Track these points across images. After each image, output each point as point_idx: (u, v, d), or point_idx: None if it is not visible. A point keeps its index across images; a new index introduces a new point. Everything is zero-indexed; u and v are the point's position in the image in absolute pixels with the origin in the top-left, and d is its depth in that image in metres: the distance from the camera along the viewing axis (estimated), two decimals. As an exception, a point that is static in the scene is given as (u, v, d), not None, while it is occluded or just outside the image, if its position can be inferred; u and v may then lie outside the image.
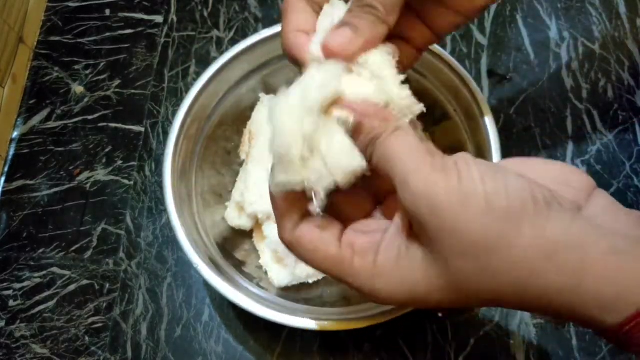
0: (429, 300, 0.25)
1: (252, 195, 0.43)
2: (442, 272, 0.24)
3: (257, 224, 0.46)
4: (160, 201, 0.51)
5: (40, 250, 0.50)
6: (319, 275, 0.43)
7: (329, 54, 0.27)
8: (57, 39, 0.60)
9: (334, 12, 0.29)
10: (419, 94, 0.48)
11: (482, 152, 0.41)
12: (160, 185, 0.52)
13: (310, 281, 0.43)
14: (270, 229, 0.43)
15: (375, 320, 0.37)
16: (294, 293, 0.43)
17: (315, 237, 0.27)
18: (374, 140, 0.25)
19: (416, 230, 0.25)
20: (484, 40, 0.56)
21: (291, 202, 0.27)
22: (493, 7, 0.58)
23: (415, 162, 0.24)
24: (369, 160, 0.25)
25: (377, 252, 0.26)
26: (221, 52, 0.57)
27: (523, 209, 0.22)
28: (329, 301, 0.43)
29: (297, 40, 0.28)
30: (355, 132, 0.26)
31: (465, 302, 0.25)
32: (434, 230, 0.23)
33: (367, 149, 0.25)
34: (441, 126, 0.46)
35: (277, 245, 0.42)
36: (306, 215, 0.28)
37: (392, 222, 0.26)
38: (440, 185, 0.23)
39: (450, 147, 0.46)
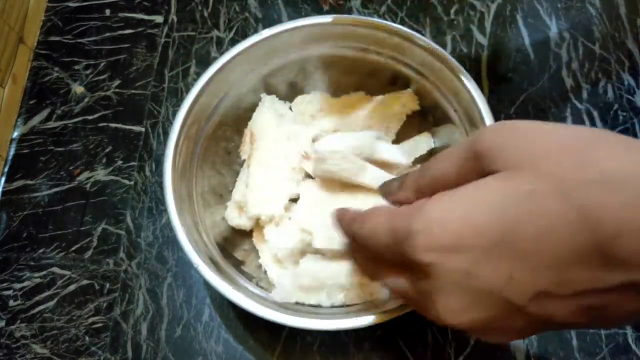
0: (499, 222, 0.20)
1: (254, 198, 0.43)
2: (527, 180, 0.20)
3: (257, 224, 0.46)
4: (160, 201, 0.51)
5: (41, 250, 0.50)
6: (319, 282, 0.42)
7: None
8: (57, 39, 0.60)
9: None
10: (420, 94, 0.49)
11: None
12: (160, 185, 0.52)
13: (311, 302, 0.42)
14: (271, 233, 0.43)
15: (375, 320, 0.37)
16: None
17: (377, 207, 0.28)
18: (421, 169, 0.28)
19: (493, 170, 0.22)
20: (484, 40, 0.56)
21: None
22: (493, 7, 0.58)
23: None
24: (424, 186, 0.27)
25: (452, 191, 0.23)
26: (221, 52, 0.57)
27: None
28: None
29: None
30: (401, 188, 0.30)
31: (555, 217, 0.19)
32: (519, 146, 0.21)
33: (420, 183, 0.27)
34: (441, 126, 0.46)
35: (277, 249, 0.42)
36: None
37: None
38: (520, 121, 0.23)
39: (449, 147, 0.46)
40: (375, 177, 0.40)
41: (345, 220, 0.30)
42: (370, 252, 0.28)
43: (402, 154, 0.45)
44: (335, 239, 0.41)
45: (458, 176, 0.24)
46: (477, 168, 0.23)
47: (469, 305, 0.22)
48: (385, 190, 0.31)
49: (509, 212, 0.20)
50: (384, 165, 0.43)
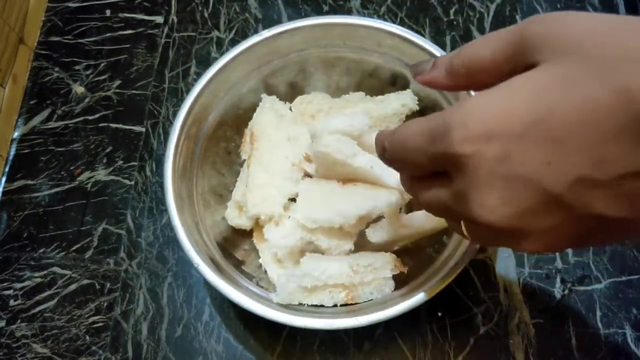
0: (535, 105, 0.20)
1: (254, 197, 0.43)
2: (567, 64, 0.20)
3: (257, 223, 0.46)
4: (160, 201, 0.52)
5: (41, 250, 0.50)
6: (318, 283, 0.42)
7: None
8: (58, 39, 0.60)
9: None
10: (420, 94, 0.49)
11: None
12: (160, 185, 0.52)
13: (310, 302, 0.41)
14: (271, 232, 0.43)
15: (376, 319, 0.37)
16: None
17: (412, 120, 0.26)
18: (457, 51, 0.26)
19: (538, 61, 0.21)
20: (483, 41, 0.56)
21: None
22: (492, 8, 0.58)
23: None
24: (458, 69, 0.26)
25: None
26: (221, 53, 0.57)
27: None
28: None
29: None
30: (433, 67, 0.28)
31: (592, 97, 0.19)
32: (574, 36, 0.20)
33: (454, 63, 0.26)
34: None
35: (277, 248, 0.42)
36: None
37: None
38: (569, 13, 0.22)
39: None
40: (371, 160, 0.40)
41: (379, 139, 0.28)
42: (404, 164, 0.27)
43: None
44: (335, 238, 0.42)
45: (495, 61, 0.24)
46: (518, 55, 0.23)
47: (505, 198, 0.22)
48: (415, 70, 0.29)
49: (545, 97, 0.20)
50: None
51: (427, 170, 0.25)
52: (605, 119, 0.19)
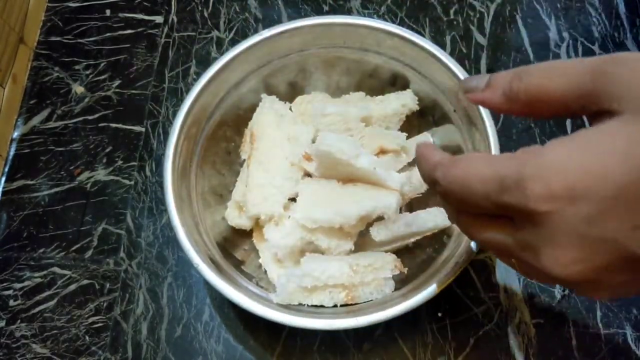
0: (623, 167, 0.19)
1: (254, 197, 0.43)
2: None
3: (257, 223, 0.46)
4: (160, 201, 0.51)
5: (41, 250, 0.50)
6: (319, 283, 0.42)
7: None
8: (57, 39, 0.60)
9: None
10: (419, 94, 0.49)
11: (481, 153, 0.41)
12: (160, 185, 0.52)
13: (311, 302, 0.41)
14: (271, 232, 0.43)
15: (376, 319, 0.37)
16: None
17: (471, 155, 0.26)
18: (519, 72, 0.25)
19: (614, 109, 0.21)
20: (483, 41, 0.56)
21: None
22: (492, 8, 0.58)
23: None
24: (517, 93, 0.24)
25: (543, 144, 0.22)
26: (221, 53, 0.57)
27: None
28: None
29: None
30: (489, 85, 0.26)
31: None
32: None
33: (513, 86, 0.25)
34: (441, 126, 0.46)
35: (277, 248, 0.42)
36: None
37: None
38: None
39: (448, 148, 0.46)
40: (373, 162, 0.40)
41: (428, 164, 0.26)
42: (460, 202, 0.25)
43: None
44: (335, 238, 0.42)
45: (564, 98, 0.23)
46: (592, 97, 0.22)
47: (583, 256, 0.21)
48: (467, 86, 0.27)
49: (634, 158, 0.19)
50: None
51: (489, 212, 0.24)
52: None
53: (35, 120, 0.56)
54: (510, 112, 0.26)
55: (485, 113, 0.41)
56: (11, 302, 0.49)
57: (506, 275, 0.47)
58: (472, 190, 0.23)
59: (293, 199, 0.44)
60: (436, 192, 0.27)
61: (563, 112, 0.24)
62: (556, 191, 0.20)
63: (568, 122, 0.52)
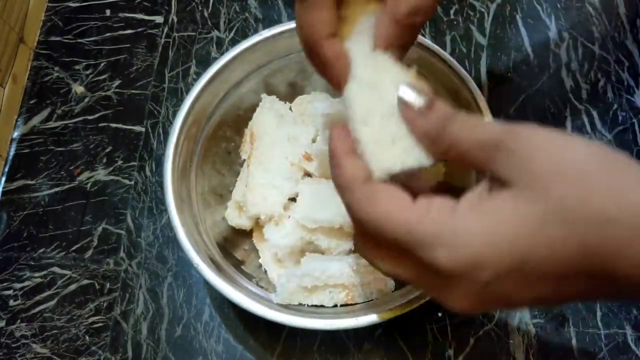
0: (515, 247, 0.23)
1: (254, 197, 0.43)
2: (538, 204, 0.22)
3: (257, 223, 0.46)
4: (160, 201, 0.51)
5: (41, 250, 0.50)
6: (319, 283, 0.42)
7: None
8: (58, 39, 0.60)
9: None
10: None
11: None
12: (160, 185, 0.52)
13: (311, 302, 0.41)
14: (271, 232, 0.43)
15: (376, 319, 0.37)
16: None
17: (389, 190, 0.26)
18: (451, 117, 0.26)
19: (507, 179, 0.24)
20: (483, 41, 0.56)
21: (357, 166, 0.27)
22: (493, 8, 0.58)
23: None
24: (442, 137, 0.26)
25: (456, 205, 0.25)
26: (221, 53, 0.57)
27: (620, 153, 0.23)
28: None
29: (340, 52, 0.30)
30: (422, 113, 0.27)
31: (560, 246, 0.22)
32: (539, 167, 0.23)
33: (439, 128, 0.26)
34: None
35: (277, 248, 0.42)
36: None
37: (468, 191, 0.25)
38: (543, 131, 0.24)
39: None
40: None
41: (339, 177, 0.27)
42: (374, 236, 0.27)
43: None
44: (335, 238, 0.42)
45: (471, 155, 0.25)
46: (488, 163, 0.25)
47: (478, 303, 0.25)
48: (407, 97, 0.28)
49: (524, 239, 0.23)
50: None
51: (400, 249, 0.26)
52: (571, 265, 0.22)
53: (35, 120, 0.56)
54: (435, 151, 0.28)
55: (486, 113, 0.41)
56: (11, 302, 0.49)
57: (506, 275, 0.47)
58: (384, 234, 0.25)
59: (293, 199, 0.44)
60: (353, 222, 0.28)
61: (472, 166, 0.26)
62: (462, 260, 0.23)
63: (568, 123, 0.52)
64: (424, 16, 0.30)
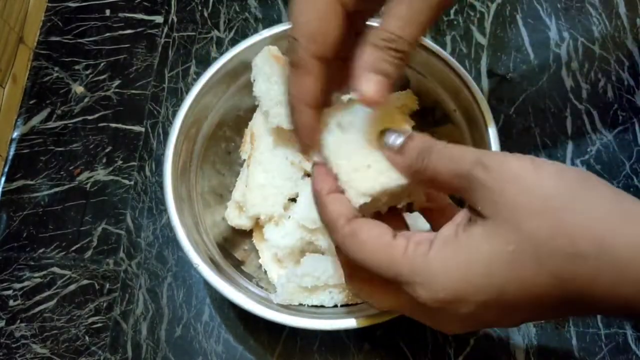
0: (489, 283, 0.24)
1: (254, 197, 0.43)
2: (509, 239, 0.23)
3: (257, 223, 0.46)
4: (160, 201, 0.51)
5: (41, 250, 0.50)
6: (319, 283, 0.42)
7: (368, 102, 0.29)
8: (57, 39, 0.60)
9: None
10: (420, 94, 0.49)
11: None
12: (160, 185, 0.52)
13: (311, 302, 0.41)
14: (271, 232, 0.43)
15: (376, 320, 0.37)
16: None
17: (371, 227, 0.27)
18: (428, 149, 0.27)
19: (478, 205, 0.24)
20: (483, 41, 0.56)
21: (340, 204, 0.28)
22: (493, 7, 0.58)
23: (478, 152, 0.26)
24: (422, 170, 0.27)
25: (433, 240, 0.26)
26: (221, 53, 0.57)
27: (589, 178, 0.24)
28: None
29: (314, 121, 0.31)
30: (401, 151, 0.28)
31: (533, 281, 0.23)
32: (509, 200, 0.23)
33: (418, 161, 0.27)
34: (441, 126, 0.46)
35: (277, 248, 0.42)
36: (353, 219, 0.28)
37: (448, 222, 0.26)
38: (513, 161, 0.24)
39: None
40: None
41: (336, 234, 0.28)
42: (361, 271, 0.28)
43: None
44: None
45: (450, 184, 0.26)
46: (471, 193, 0.25)
47: (466, 328, 0.27)
48: (386, 139, 0.29)
49: (497, 275, 0.23)
50: None
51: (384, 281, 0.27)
52: (543, 296, 0.23)
53: (35, 120, 0.56)
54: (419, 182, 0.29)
55: (486, 113, 0.41)
56: (11, 302, 0.49)
57: (506, 275, 0.46)
58: (369, 269, 0.27)
59: (293, 199, 0.44)
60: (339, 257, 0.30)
61: (456, 194, 0.27)
62: (440, 297, 0.25)
63: (568, 123, 0.52)
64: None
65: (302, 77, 0.30)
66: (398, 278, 0.26)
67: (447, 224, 0.26)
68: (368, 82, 0.28)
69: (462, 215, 0.26)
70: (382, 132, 0.30)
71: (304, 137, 0.31)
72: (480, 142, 0.41)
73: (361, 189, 0.28)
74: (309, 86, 0.30)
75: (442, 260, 0.25)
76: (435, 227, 0.33)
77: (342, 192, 0.29)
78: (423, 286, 0.25)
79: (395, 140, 0.29)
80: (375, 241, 0.27)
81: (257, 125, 0.46)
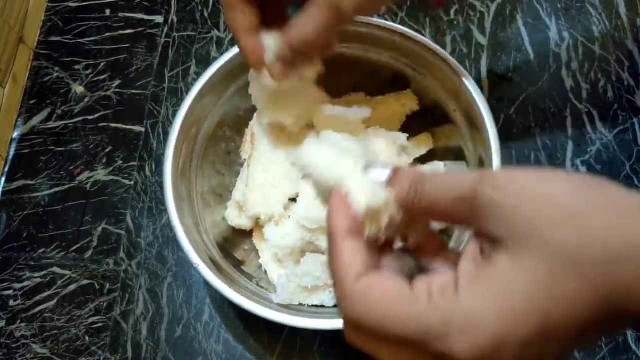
0: (530, 314, 0.21)
1: (254, 197, 0.43)
2: (540, 258, 0.21)
3: (257, 223, 0.46)
4: (160, 201, 0.51)
5: (41, 250, 0.50)
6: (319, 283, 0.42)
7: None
8: (57, 39, 0.60)
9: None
10: (420, 94, 0.49)
11: (482, 152, 0.41)
12: (160, 185, 0.52)
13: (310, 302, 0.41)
14: (271, 232, 0.43)
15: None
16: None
17: (385, 280, 0.24)
18: (419, 179, 0.25)
19: (496, 235, 0.22)
20: (484, 41, 0.56)
21: (354, 255, 0.25)
22: (493, 8, 0.58)
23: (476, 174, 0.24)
24: (417, 201, 0.25)
25: (456, 282, 0.23)
26: (221, 53, 0.57)
27: (600, 181, 0.22)
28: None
29: (254, 46, 0.37)
30: (390, 184, 0.26)
31: (576, 297, 0.21)
32: (525, 215, 0.21)
33: (411, 192, 0.25)
34: (441, 126, 0.46)
35: (277, 248, 0.42)
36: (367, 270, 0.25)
37: (461, 257, 0.24)
38: (519, 175, 0.22)
39: (450, 147, 0.46)
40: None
41: (342, 291, 0.25)
42: (371, 332, 0.25)
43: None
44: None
45: (451, 212, 0.25)
46: (473, 220, 0.24)
47: None
48: (374, 174, 0.28)
49: (537, 303, 0.21)
50: None
51: (400, 342, 0.24)
52: (588, 313, 0.21)
53: (35, 120, 0.56)
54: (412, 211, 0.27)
55: (485, 112, 0.41)
56: (11, 302, 0.49)
57: (506, 275, 0.46)
58: (387, 333, 0.23)
59: (293, 199, 0.44)
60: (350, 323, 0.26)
61: (459, 223, 0.25)
62: (481, 345, 0.22)
63: (568, 123, 0.52)
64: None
65: (233, 11, 0.36)
66: (427, 335, 0.22)
67: (462, 260, 0.24)
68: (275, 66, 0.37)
69: (472, 247, 0.24)
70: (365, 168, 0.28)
71: (250, 56, 0.37)
72: (480, 142, 0.41)
73: (364, 201, 0.26)
74: (241, 15, 0.37)
75: (474, 301, 0.22)
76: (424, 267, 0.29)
77: (361, 232, 0.26)
78: (459, 338, 0.22)
79: (381, 174, 0.27)
80: (394, 300, 0.23)
81: (258, 126, 0.46)
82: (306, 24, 0.35)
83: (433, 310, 0.22)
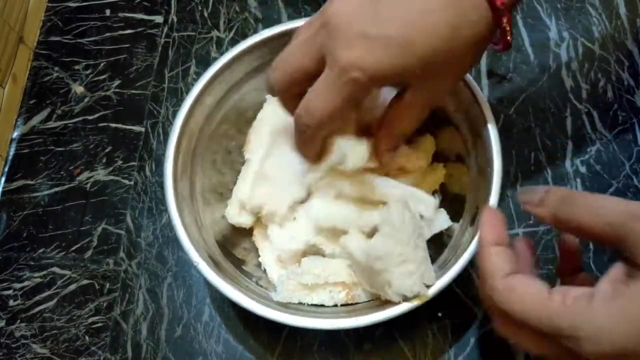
0: None
1: (259, 191, 0.43)
2: None
3: (257, 221, 0.45)
4: (160, 201, 0.51)
5: (41, 250, 0.50)
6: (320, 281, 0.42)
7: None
8: (57, 39, 0.60)
9: None
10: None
11: (482, 152, 0.41)
12: (160, 185, 0.52)
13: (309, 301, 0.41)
14: (277, 235, 0.43)
15: (376, 319, 0.37)
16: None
17: (529, 283, 0.28)
18: (569, 198, 0.29)
19: (638, 258, 0.25)
20: (483, 41, 0.56)
21: (502, 259, 0.30)
22: (493, 8, 0.58)
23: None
24: (566, 219, 0.29)
25: (592, 295, 0.26)
26: (221, 53, 0.57)
27: None
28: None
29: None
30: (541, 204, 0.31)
31: None
32: None
33: (561, 210, 0.29)
34: (441, 128, 0.46)
35: (281, 251, 0.42)
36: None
37: (603, 278, 0.27)
38: None
39: (450, 148, 0.46)
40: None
41: (491, 285, 0.30)
42: (515, 322, 0.29)
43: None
44: (339, 245, 0.41)
45: (599, 235, 0.27)
46: (620, 245, 0.26)
47: None
48: (525, 197, 0.32)
49: None
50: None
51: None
52: None
53: (35, 120, 0.56)
54: (559, 229, 0.31)
55: (486, 112, 0.41)
56: (11, 302, 0.49)
57: (506, 275, 0.46)
58: (528, 322, 0.28)
59: (299, 202, 0.44)
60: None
61: (603, 244, 0.28)
62: (607, 351, 0.25)
63: (568, 123, 0.52)
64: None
65: (309, 145, 0.38)
66: (558, 332, 0.26)
67: (603, 279, 0.27)
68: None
69: (617, 270, 0.27)
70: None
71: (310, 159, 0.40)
72: (480, 142, 0.41)
73: None
74: (314, 149, 0.39)
75: (608, 315, 0.25)
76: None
77: (510, 245, 0.32)
78: (589, 340, 0.25)
79: (533, 195, 0.31)
80: (533, 297, 0.28)
81: (261, 126, 0.46)
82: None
83: (564, 312, 0.26)
